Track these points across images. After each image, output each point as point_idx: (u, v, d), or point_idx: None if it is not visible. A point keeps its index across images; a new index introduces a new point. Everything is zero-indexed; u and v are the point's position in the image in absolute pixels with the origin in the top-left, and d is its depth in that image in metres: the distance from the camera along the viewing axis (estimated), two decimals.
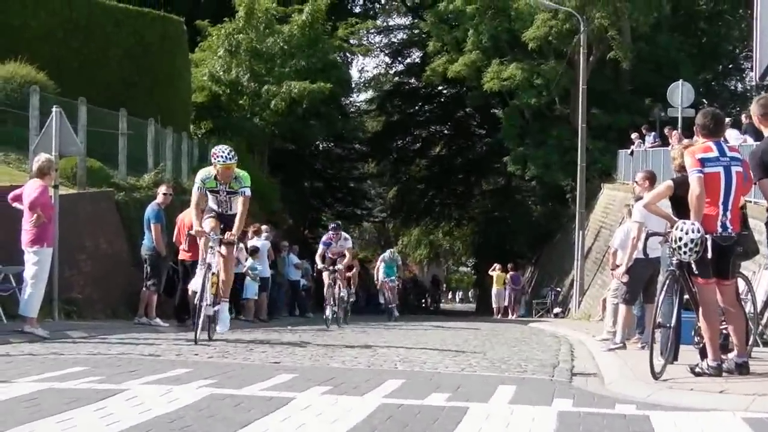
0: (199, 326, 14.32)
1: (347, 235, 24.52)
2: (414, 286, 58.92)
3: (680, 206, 10.65)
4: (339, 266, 23.30)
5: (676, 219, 10.42)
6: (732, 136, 23.31)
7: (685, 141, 14.71)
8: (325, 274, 23.53)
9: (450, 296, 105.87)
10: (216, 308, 14.58)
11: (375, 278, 34.73)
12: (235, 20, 41.44)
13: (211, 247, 14.42)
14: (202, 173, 14.93)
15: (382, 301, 33.51)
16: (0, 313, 15.90)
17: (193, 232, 15.16)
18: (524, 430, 7.26)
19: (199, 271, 14.67)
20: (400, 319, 32.25)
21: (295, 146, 48.08)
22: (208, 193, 14.81)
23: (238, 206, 14.61)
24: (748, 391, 9.16)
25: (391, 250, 36.59)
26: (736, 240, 10.22)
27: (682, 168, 10.97)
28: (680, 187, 10.65)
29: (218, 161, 14.32)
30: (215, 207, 14.82)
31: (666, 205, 11.10)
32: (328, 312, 22.78)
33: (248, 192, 14.67)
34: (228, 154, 14.40)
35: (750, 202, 14.93)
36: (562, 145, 45.54)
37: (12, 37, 27.38)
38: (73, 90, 24.22)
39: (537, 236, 55.88)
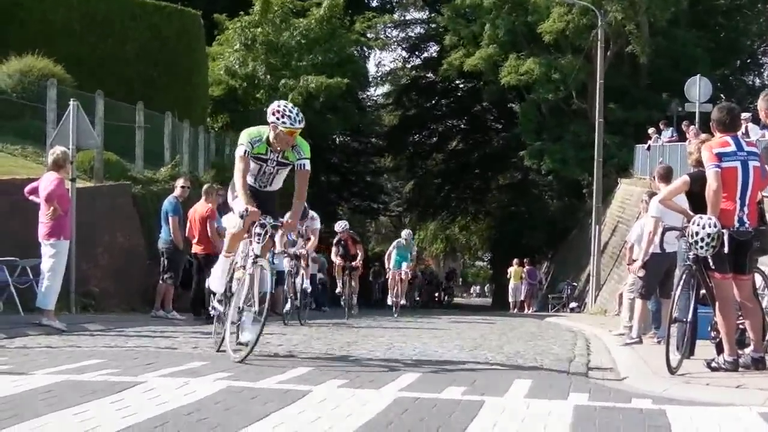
0: (230, 333, 11.38)
1: (314, 214, 20.78)
2: (430, 279, 58.43)
3: (697, 201, 10.64)
4: (302, 250, 20.80)
5: (692, 214, 10.43)
6: (752, 131, 23.26)
7: (703, 136, 14.66)
8: (285, 261, 20.09)
9: (471, 290, 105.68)
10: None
11: (386, 266, 30.28)
12: (252, 14, 41.53)
13: (259, 234, 11.12)
14: (250, 133, 11.48)
15: (390, 302, 28.97)
16: (18, 305, 15.97)
17: (242, 212, 10.86)
18: (540, 425, 7.26)
19: (225, 266, 11.78)
20: (415, 313, 32.12)
21: (311, 140, 47.97)
22: (250, 160, 11.42)
23: (296, 182, 11.52)
24: (765, 386, 9.15)
25: (408, 231, 31.74)
26: (753, 235, 10.21)
27: (698, 163, 10.99)
28: (697, 182, 10.67)
29: (283, 123, 11.16)
30: (250, 180, 11.47)
31: (683, 200, 11.09)
32: (288, 305, 19.85)
33: (308, 165, 11.53)
34: (297, 115, 11.27)
35: (767, 197, 14.89)
36: (579, 139, 45.52)
37: (29, 32, 27.54)
38: (91, 84, 24.32)
39: (553, 231, 55.85)
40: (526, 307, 43.15)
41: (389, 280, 29.50)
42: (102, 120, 23.00)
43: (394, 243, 29.68)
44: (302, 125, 11.38)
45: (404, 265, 28.85)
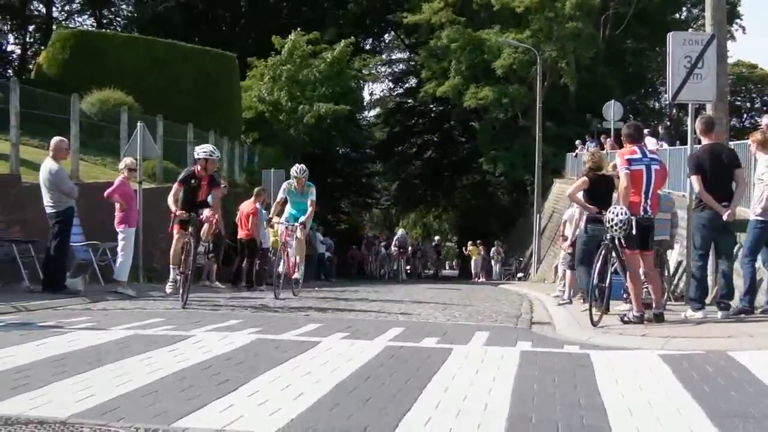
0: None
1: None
2: (418, 252, 55.85)
3: (592, 195, 11.56)
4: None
5: (590, 206, 11.31)
6: (650, 143, 23.31)
7: (592, 149, 15.18)
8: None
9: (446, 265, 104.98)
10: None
11: (271, 216, 15.72)
12: (280, 55, 41.63)
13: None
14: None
15: (280, 269, 15.24)
16: (99, 277, 15.97)
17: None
18: (495, 365, 7.29)
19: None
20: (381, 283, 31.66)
21: (321, 151, 47.97)
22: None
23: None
24: (663, 335, 9.20)
25: (301, 166, 15.39)
26: (653, 221, 10.41)
27: (590, 169, 12.04)
28: (591, 182, 11.77)
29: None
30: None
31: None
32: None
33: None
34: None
35: (669, 192, 14.94)
36: (524, 149, 45.41)
37: (107, 70, 27.60)
38: (153, 109, 24.32)
39: (505, 219, 55.87)
40: (480, 276, 43.12)
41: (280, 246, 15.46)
42: (162, 137, 22.98)
43: (284, 186, 15.48)
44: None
45: (302, 218, 14.97)
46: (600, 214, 10.68)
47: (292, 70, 41.37)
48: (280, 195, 15.44)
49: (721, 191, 10.69)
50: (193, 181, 13.05)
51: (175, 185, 13.08)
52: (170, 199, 12.83)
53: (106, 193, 14.69)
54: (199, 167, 13.04)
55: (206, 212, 12.81)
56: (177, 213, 12.65)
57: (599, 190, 11.87)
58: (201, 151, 13.09)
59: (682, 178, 16.72)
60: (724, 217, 10.56)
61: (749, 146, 12.10)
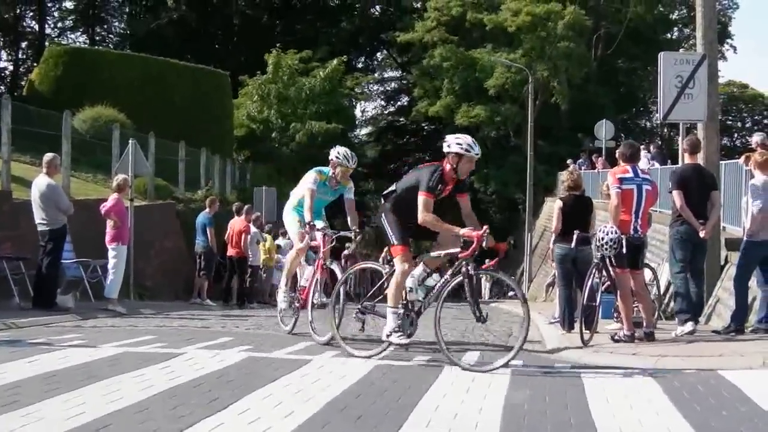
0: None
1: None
2: None
3: (568, 216, 11.92)
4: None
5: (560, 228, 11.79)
6: (642, 161, 23.43)
7: (570, 168, 15.38)
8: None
9: None
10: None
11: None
12: (267, 74, 41.71)
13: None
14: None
15: (282, 300, 11.31)
16: (90, 295, 15.93)
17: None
18: (486, 383, 7.28)
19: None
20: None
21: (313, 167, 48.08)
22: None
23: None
24: (653, 354, 9.21)
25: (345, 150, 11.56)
26: (643, 240, 10.49)
27: (568, 188, 12.34)
28: (565, 204, 12.09)
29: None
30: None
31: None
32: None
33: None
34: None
35: (655, 211, 15.02)
36: (516, 167, 45.63)
37: (101, 87, 27.63)
38: (146, 126, 24.33)
39: (496, 237, 55.67)
40: None
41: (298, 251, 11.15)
42: (153, 154, 22.99)
43: (311, 177, 11.36)
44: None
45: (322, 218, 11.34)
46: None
47: (280, 88, 41.47)
48: (308, 184, 11.15)
49: (699, 209, 10.87)
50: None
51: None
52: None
53: (103, 212, 14.67)
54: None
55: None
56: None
57: (576, 210, 12.04)
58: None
59: None
60: (702, 235, 10.73)
61: (743, 165, 12.23)
